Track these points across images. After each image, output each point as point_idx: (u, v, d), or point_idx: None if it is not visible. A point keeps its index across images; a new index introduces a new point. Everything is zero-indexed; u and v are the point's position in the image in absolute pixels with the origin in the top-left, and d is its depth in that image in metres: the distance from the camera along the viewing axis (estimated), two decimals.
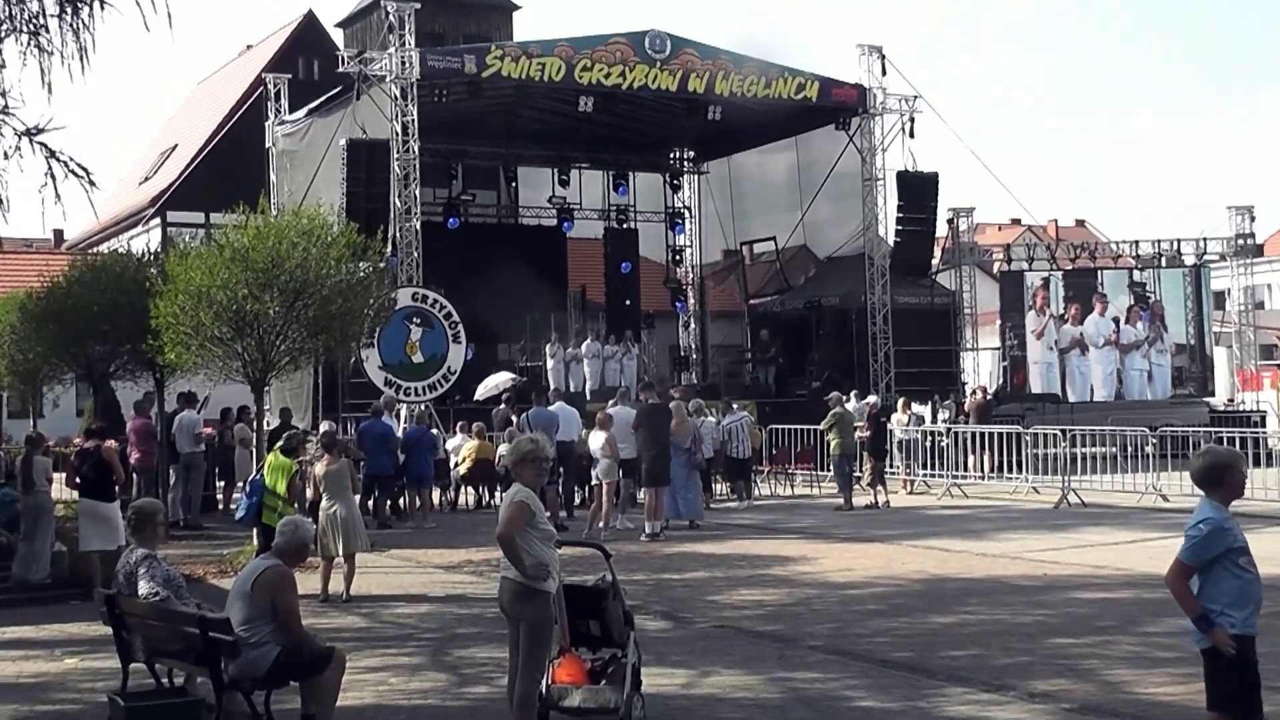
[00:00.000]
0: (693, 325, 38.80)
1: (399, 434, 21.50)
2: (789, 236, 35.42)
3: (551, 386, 26.11)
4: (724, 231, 37.21)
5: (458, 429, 23.29)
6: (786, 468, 25.57)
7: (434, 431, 22.45)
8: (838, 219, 33.62)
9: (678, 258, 37.97)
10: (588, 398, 27.73)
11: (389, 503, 20.96)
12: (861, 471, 22.59)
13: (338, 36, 44.86)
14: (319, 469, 14.19)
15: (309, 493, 14.57)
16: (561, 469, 20.17)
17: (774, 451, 26.02)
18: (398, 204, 26.61)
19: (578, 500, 21.90)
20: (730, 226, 36.85)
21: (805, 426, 25.25)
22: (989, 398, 28.75)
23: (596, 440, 18.73)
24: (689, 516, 19.33)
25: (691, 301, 38.56)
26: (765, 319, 35.50)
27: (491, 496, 22.61)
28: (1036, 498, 22.35)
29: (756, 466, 24.15)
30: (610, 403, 21.12)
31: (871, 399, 24.81)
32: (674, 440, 19.00)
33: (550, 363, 30.03)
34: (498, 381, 26.99)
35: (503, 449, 21.00)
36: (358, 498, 17.29)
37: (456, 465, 22.51)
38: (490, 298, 30.58)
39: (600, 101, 29.05)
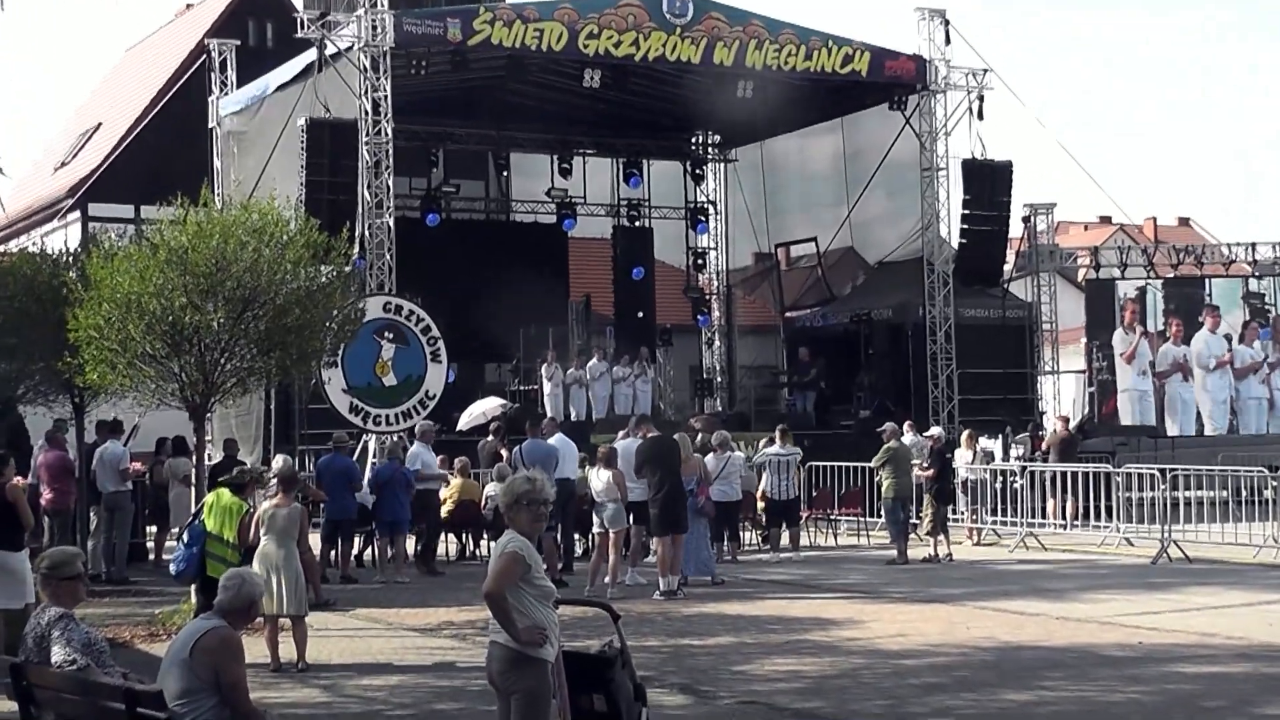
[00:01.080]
0: (718, 342, 38.86)
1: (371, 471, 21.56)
2: (833, 237, 35.45)
3: (549, 415, 26.13)
4: (755, 231, 37.26)
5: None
6: (829, 513, 25.55)
7: (415, 467, 22.44)
8: (891, 216, 33.68)
9: (700, 262, 38.06)
10: (593, 428, 27.75)
11: (354, 553, 21.01)
12: (919, 518, 22.56)
13: None
14: (265, 507, 14.18)
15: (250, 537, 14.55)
16: (560, 513, 20.15)
17: (814, 493, 25.99)
18: (367, 196, 26.68)
19: (579, 550, 21.90)
20: (763, 225, 36.90)
21: (852, 464, 25.27)
22: (1072, 431, 28.72)
23: (600, 479, 18.72)
24: (699, 574, 19.24)
25: (716, 314, 38.62)
26: (804, 335, 35.51)
27: (476, 545, 22.64)
28: (1130, 551, 22.33)
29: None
30: (621, 434, 21.10)
31: (935, 431, 24.79)
32: None
33: (548, 386, 30.08)
34: (485, 409, 27.02)
35: (490, 489, 21.02)
36: (317, 548, 17.29)
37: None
38: (477, 309, 30.65)
39: (609, 75, 29.09)
